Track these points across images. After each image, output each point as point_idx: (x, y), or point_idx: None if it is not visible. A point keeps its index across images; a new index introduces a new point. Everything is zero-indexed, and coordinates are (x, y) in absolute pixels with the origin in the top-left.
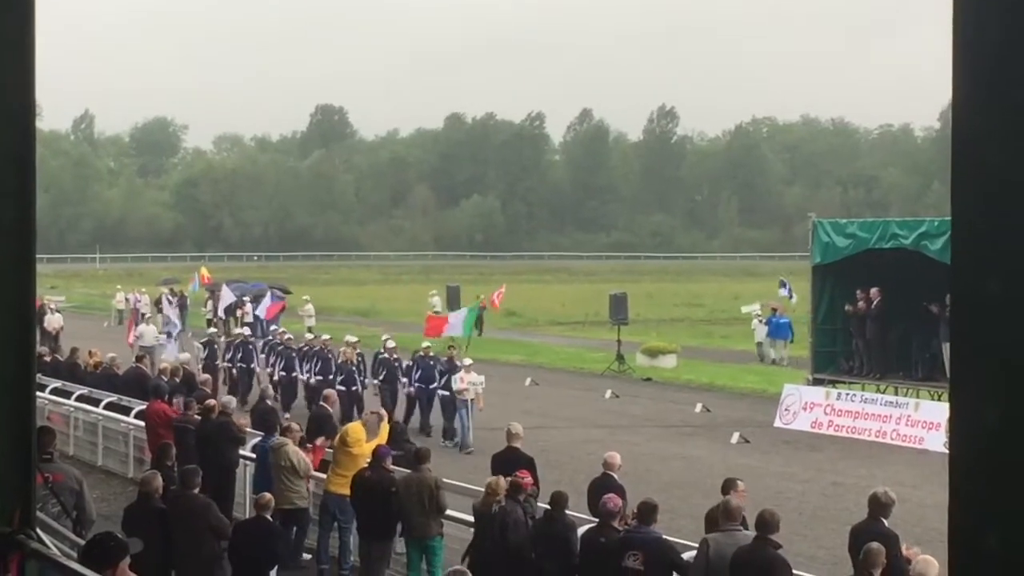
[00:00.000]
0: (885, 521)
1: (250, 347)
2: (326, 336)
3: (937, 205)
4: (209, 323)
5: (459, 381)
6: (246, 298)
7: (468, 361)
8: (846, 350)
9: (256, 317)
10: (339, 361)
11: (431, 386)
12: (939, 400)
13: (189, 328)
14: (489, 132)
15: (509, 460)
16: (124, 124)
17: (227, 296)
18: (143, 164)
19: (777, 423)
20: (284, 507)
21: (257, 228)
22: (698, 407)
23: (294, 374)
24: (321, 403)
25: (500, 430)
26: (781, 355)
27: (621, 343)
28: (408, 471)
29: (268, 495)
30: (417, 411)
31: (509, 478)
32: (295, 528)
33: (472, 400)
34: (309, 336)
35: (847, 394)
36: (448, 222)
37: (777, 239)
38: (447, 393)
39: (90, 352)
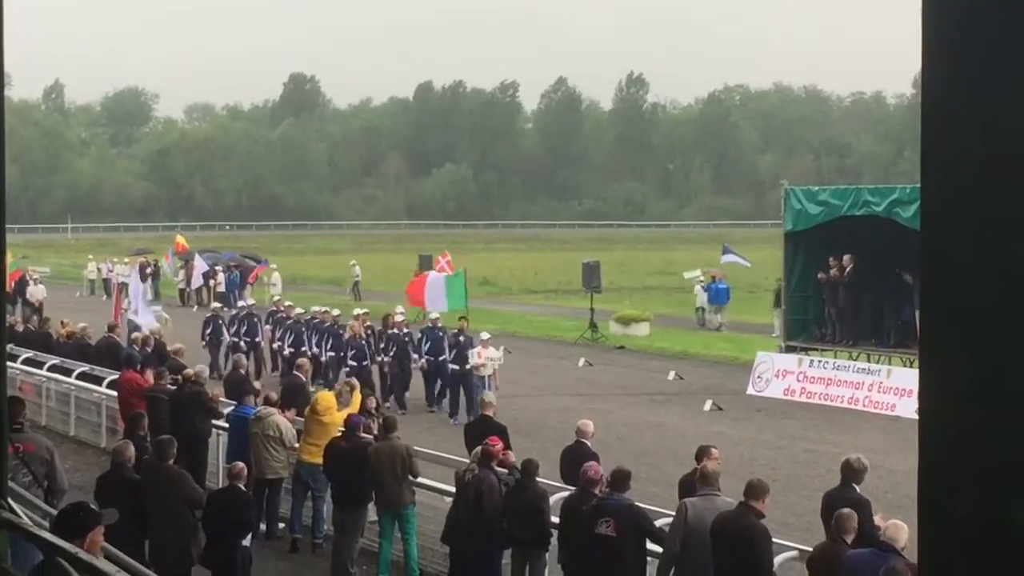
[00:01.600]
0: (857, 487)
1: (256, 321)
2: (336, 311)
3: (909, 172)
4: (182, 293)
5: (476, 356)
6: (218, 267)
7: (486, 335)
8: (818, 317)
9: (229, 287)
10: (347, 336)
11: (440, 358)
12: (911, 367)
13: (161, 298)
14: (460, 101)
15: (481, 428)
16: (95, 93)
17: (200, 266)
18: (114, 133)
19: (750, 390)
20: (267, 476)
21: (229, 197)
22: (671, 375)
23: (303, 349)
24: (294, 372)
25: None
26: (720, 320)
27: (594, 311)
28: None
29: (241, 464)
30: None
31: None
32: (271, 497)
33: (490, 376)
34: (316, 309)
35: (819, 361)
36: (420, 191)
37: (750, 207)
38: (457, 367)
39: (62, 322)
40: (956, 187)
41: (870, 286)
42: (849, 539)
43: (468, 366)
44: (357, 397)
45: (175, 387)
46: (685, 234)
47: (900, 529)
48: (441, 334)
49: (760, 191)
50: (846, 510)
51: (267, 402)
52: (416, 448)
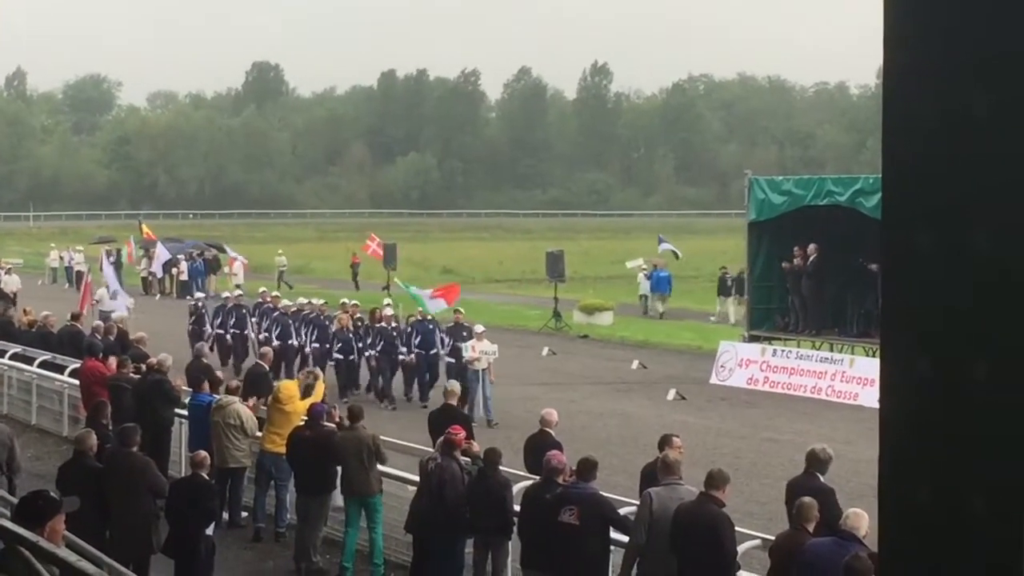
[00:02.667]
0: (821, 476)
1: (244, 311)
2: (321, 301)
3: (872, 163)
4: (144, 281)
5: (470, 350)
6: (180, 256)
7: (480, 328)
8: (782, 307)
9: (192, 275)
10: (334, 329)
11: (431, 352)
12: (874, 356)
13: (126, 287)
14: (424, 90)
15: (445, 417)
16: (57, 81)
17: (162, 254)
18: (77, 121)
19: (713, 380)
20: (229, 465)
21: (192, 185)
22: (634, 364)
23: (290, 341)
24: (258, 361)
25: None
26: (662, 308)
27: (558, 300)
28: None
29: (204, 453)
30: (421, 379)
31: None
32: (234, 486)
33: (485, 370)
34: (303, 300)
35: (783, 351)
36: (384, 180)
37: (713, 196)
38: (452, 360)
39: (24, 310)
40: (917, 176)
41: (833, 276)
42: (811, 527)
43: (464, 359)
44: (321, 387)
45: (138, 375)
46: (649, 224)
47: (861, 518)
48: (432, 327)
49: (724, 181)
50: (807, 499)
51: (228, 390)
52: (383, 437)
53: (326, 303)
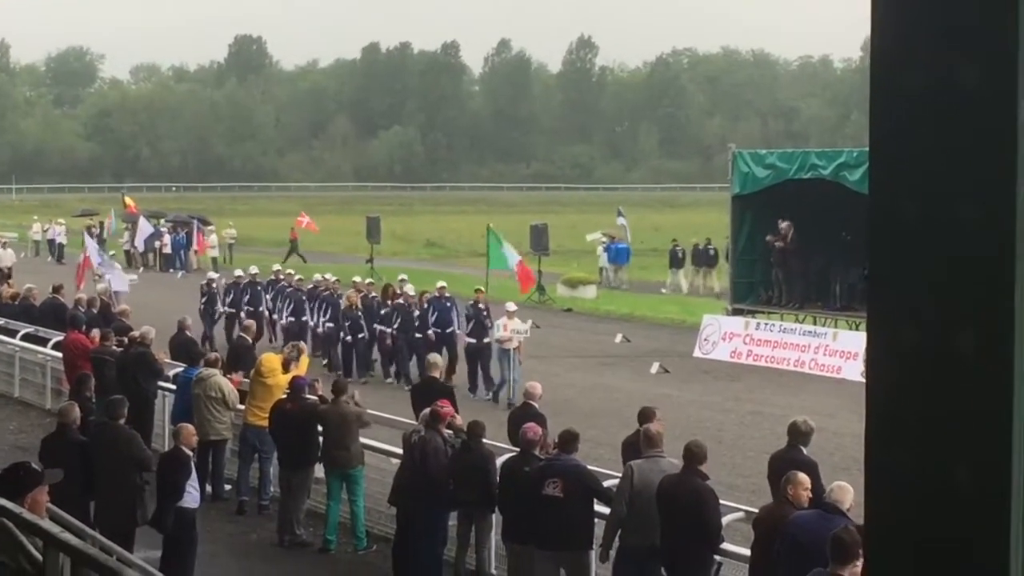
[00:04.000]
0: (804, 449)
1: (259, 289)
2: (333, 277)
3: (856, 136)
4: (127, 255)
5: (501, 328)
6: (164, 230)
7: (512, 306)
8: (765, 280)
9: (175, 248)
10: (343, 307)
11: (447, 330)
12: (857, 330)
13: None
14: (407, 63)
15: (428, 391)
16: (40, 53)
17: (145, 228)
18: (59, 94)
19: (696, 353)
20: (211, 438)
21: (175, 158)
22: (618, 337)
23: (304, 319)
24: (240, 334)
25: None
26: (621, 278)
27: (542, 274)
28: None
29: (188, 426)
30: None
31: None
32: (216, 459)
33: (515, 350)
34: (318, 277)
35: (766, 324)
36: (368, 153)
37: (697, 170)
38: (473, 340)
39: (7, 283)
40: (904, 145)
41: (817, 249)
42: (795, 501)
43: (486, 339)
44: (305, 361)
45: (121, 348)
46: (632, 197)
47: (845, 491)
48: (449, 304)
49: (707, 154)
50: (800, 474)
51: (208, 363)
52: (371, 412)
53: (339, 280)
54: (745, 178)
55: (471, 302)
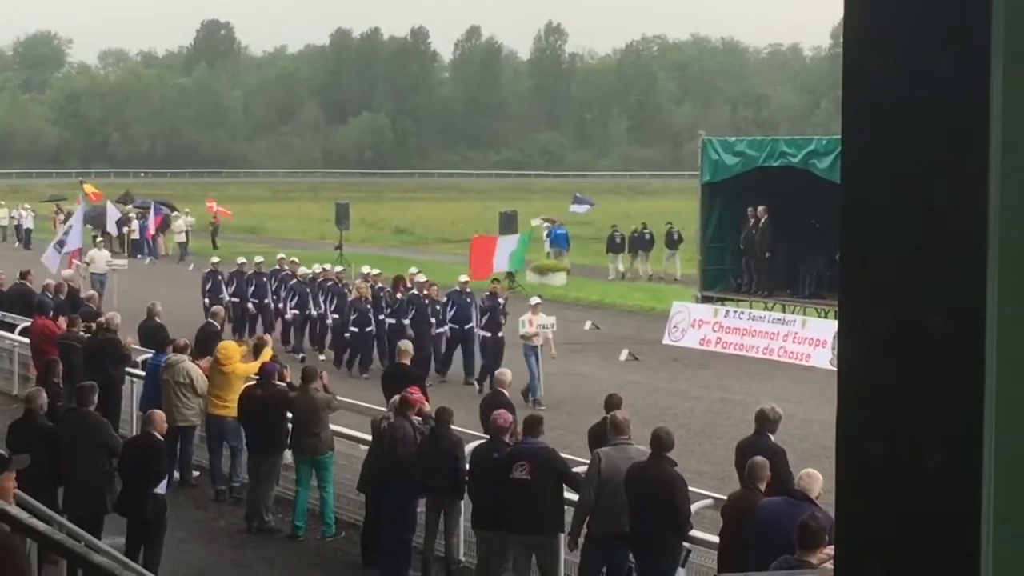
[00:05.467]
0: (772, 436)
1: (264, 280)
2: (338, 268)
3: (825, 124)
4: (94, 240)
5: (527, 324)
6: (132, 215)
7: (536, 300)
8: (735, 268)
9: (143, 234)
10: (351, 298)
11: (466, 326)
12: (826, 318)
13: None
14: (377, 48)
15: (397, 377)
16: (7, 38)
17: (112, 213)
18: (27, 78)
19: (666, 340)
20: (179, 424)
21: (144, 144)
22: (587, 324)
23: (308, 311)
24: (209, 320)
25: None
26: (563, 264)
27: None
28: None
29: (158, 412)
30: (458, 357)
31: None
32: (184, 445)
33: (541, 346)
34: (326, 267)
35: (735, 311)
36: (337, 139)
37: (667, 157)
38: (488, 334)
39: None
40: (876, 130)
41: (786, 237)
42: (763, 487)
43: (501, 334)
44: (268, 352)
45: (88, 334)
46: (602, 184)
47: (813, 478)
48: (469, 299)
49: (677, 142)
50: (759, 458)
51: (176, 349)
52: (340, 398)
53: (344, 270)
54: (715, 166)
55: (486, 294)
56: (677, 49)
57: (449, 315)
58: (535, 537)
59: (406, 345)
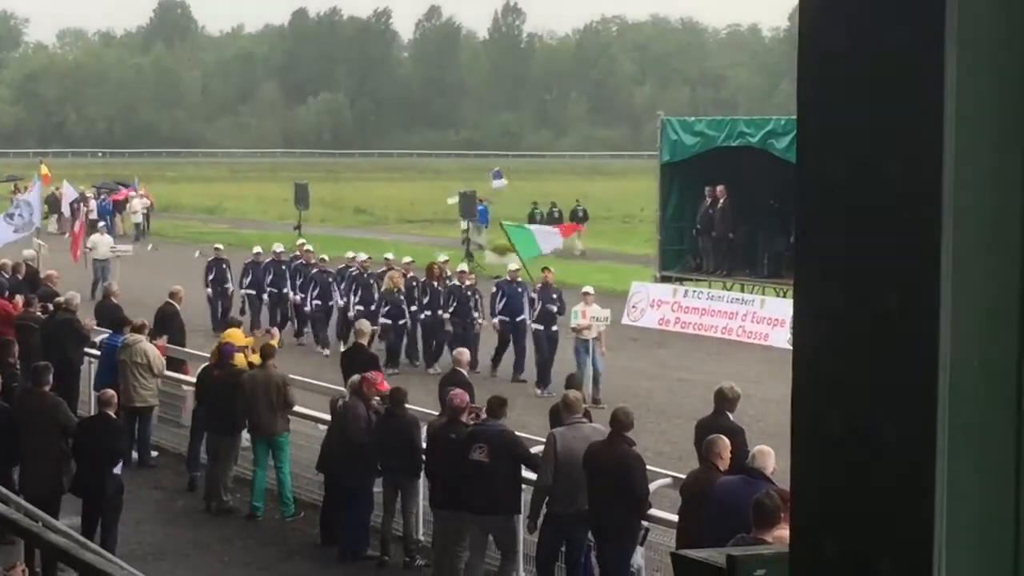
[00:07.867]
0: (730, 415)
1: (283, 269)
2: (363, 256)
3: (784, 105)
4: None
5: (580, 316)
6: (89, 194)
7: (588, 289)
8: (693, 248)
9: (101, 214)
10: (383, 289)
11: (518, 319)
12: (784, 297)
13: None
14: (336, 29)
15: (356, 358)
16: None
17: (69, 193)
18: None
19: (624, 320)
20: (136, 404)
21: (102, 124)
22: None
23: (331, 303)
24: (169, 300)
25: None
26: (481, 241)
27: (470, 242)
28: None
29: (111, 391)
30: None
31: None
32: (142, 426)
33: (595, 339)
34: (351, 255)
35: (694, 291)
36: (296, 119)
37: (626, 138)
38: (540, 327)
39: None
40: (832, 105)
41: (744, 217)
42: (721, 465)
43: (555, 327)
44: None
45: (45, 315)
46: (561, 165)
47: (766, 455)
48: (520, 289)
49: (636, 122)
50: (716, 436)
51: (134, 329)
52: (292, 376)
53: (370, 258)
54: (674, 146)
55: (538, 284)
56: (636, 29)
57: (499, 306)
58: (492, 518)
59: (363, 325)
